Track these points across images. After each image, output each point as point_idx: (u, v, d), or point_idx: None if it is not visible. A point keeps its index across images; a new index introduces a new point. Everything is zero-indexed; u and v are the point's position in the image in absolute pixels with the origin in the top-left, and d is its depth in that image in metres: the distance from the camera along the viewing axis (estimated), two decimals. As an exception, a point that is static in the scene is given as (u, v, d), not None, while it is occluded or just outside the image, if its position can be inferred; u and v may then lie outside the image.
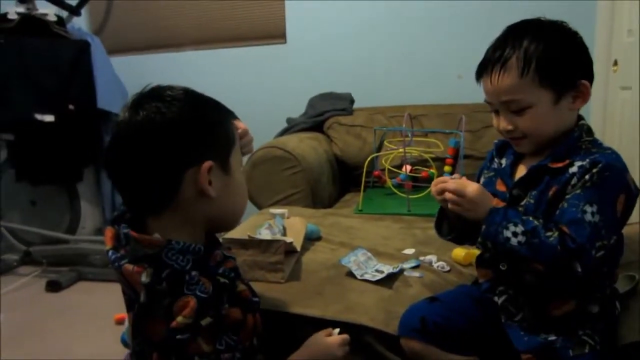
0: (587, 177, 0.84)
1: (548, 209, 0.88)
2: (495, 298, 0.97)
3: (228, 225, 0.83)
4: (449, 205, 0.91)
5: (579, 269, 0.81)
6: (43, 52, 2.37)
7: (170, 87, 0.74)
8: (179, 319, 0.65)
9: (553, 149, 0.91)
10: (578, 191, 0.84)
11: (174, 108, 0.71)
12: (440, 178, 0.94)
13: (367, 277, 1.14)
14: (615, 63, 2.10)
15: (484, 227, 0.87)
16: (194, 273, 0.69)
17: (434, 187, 0.94)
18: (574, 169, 0.87)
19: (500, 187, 0.98)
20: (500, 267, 0.95)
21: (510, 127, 0.91)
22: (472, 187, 0.89)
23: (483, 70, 0.93)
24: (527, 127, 0.90)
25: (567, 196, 0.86)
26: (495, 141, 1.06)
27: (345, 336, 0.88)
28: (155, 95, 0.72)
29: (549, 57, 0.87)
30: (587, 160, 0.85)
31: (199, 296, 0.67)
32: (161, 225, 0.73)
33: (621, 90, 2.03)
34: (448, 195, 0.90)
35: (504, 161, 1.01)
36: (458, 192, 0.89)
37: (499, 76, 0.89)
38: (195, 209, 0.73)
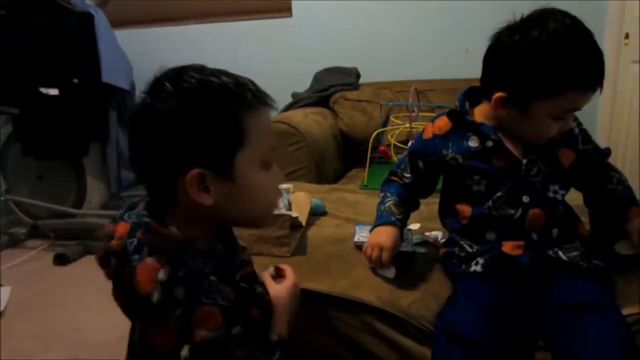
0: (582, 126, 1.01)
1: (565, 171, 0.97)
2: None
3: (248, 226, 0.77)
4: None
5: None
6: (46, 24, 2.33)
7: (182, 75, 0.64)
8: (203, 332, 0.59)
9: None
10: (587, 136, 1.02)
11: (166, 106, 0.62)
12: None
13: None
14: (627, 36, 2.06)
15: None
16: (212, 278, 0.63)
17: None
18: (576, 131, 1.00)
19: (499, 162, 0.96)
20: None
21: None
22: None
23: (597, 81, 0.87)
24: None
25: (587, 146, 1.00)
26: (431, 135, 1.04)
27: (291, 278, 0.87)
28: (160, 84, 0.64)
29: None
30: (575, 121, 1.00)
31: (223, 306, 0.61)
32: (175, 219, 0.67)
33: (632, 63, 2.01)
34: None
35: (487, 142, 0.97)
36: None
37: None
38: (199, 212, 0.66)
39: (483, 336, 0.86)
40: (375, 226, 1.07)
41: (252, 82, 0.68)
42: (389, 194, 1.10)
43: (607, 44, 2.15)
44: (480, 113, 1.01)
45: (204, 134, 0.62)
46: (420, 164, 1.07)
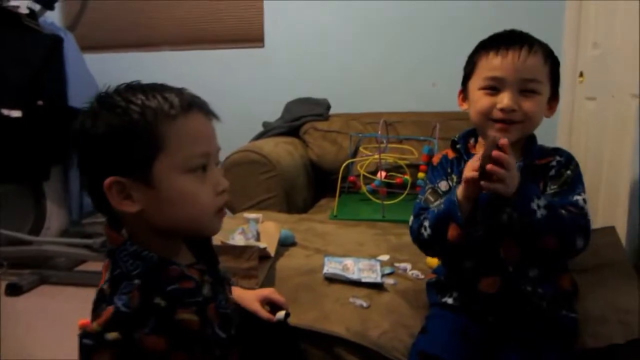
0: (568, 172, 0.96)
1: None
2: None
3: (190, 233, 0.74)
4: (486, 184, 0.84)
5: (579, 246, 0.89)
6: (13, 46, 2.28)
7: (112, 95, 0.69)
8: (94, 324, 0.63)
9: (525, 148, 0.99)
10: (566, 186, 0.95)
11: (89, 123, 0.67)
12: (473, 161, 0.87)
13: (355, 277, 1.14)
14: (581, 74, 2.17)
15: (517, 198, 0.85)
16: (136, 281, 0.65)
17: (473, 165, 0.85)
18: (553, 163, 0.97)
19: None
20: (509, 268, 0.94)
21: (515, 107, 0.93)
22: (513, 159, 0.85)
23: (508, 43, 0.94)
24: (530, 110, 0.93)
25: (553, 188, 0.95)
26: (444, 154, 1.08)
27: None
28: (92, 103, 0.70)
29: (556, 61, 0.99)
30: (564, 156, 0.98)
31: (119, 308, 0.62)
32: (126, 222, 0.71)
33: (587, 100, 2.10)
34: (496, 169, 0.83)
35: None
36: (508, 165, 0.83)
37: (528, 53, 0.93)
38: (133, 219, 0.69)
39: (457, 358, 0.87)
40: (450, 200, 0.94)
41: (181, 92, 0.71)
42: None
43: (563, 81, 2.25)
44: (480, 145, 1.04)
45: (118, 145, 0.66)
46: (442, 184, 1.04)
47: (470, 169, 0.87)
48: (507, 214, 0.87)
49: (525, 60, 0.92)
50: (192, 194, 0.69)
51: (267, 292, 0.95)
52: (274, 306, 0.93)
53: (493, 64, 0.94)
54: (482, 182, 0.85)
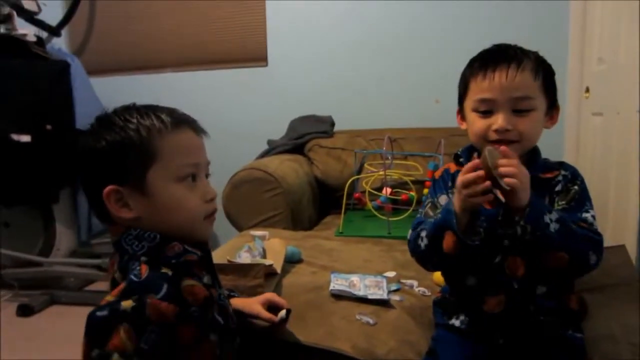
0: (575, 187, 0.94)
1: None
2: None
3: (183, 238, 0.77)
4: (506, 180, 0.82)
5: (593, 261, 0.87)
6: (22, 73, 2.34)
7: (111, 116, 0.77)
8: (108, 297, 0.67)
9: (529, 161, 0.96)
10: (574, 202, 0.93)
11: (90, 139, 0.75)
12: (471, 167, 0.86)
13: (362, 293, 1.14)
14: (587, 90, 2.17)
15: (528, 210, 0.84)
16: (143, 259, 0.71)
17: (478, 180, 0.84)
18: (559, 178, 0.96)
19: (487, 204, 0.95)
20: (514, 285, 0.93)
21: (509, 127, 0.91)
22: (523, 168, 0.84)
23: (494, 63, 0.92)
24: (526, 129, 0.92)
25: (561, 203, 0.93)
26: (446, 167, 1.07)
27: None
28: (92, 122, 0.78)
29: (549, 70, 0.96)
30: (569, 171, 0.97)
31: (130, 279, 0.68)
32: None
33: (593, 116, 2.10)
34: (509, 169, 0.82)
35: None
36: (518, 175, 0.83)
37: (516, 72, 0.91)
38: (132, 225, 0.75)
39: None
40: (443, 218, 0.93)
41: (173, 111, 0.79)
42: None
43: (568, 97, 2.26)
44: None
45: (116, 158, 0.73)
46: (442, 198, 1.03)
47: (465, 172, 0.86)
48: (521, 227, 0.85)
49: (513, 79, 0.91)
50: (181, 200, 0.76)
51: (268, 295, 1.01)
52: (275, 309, 0.98)
53: (482, 87, 0.94)
54: (493, 190, 0.83)
